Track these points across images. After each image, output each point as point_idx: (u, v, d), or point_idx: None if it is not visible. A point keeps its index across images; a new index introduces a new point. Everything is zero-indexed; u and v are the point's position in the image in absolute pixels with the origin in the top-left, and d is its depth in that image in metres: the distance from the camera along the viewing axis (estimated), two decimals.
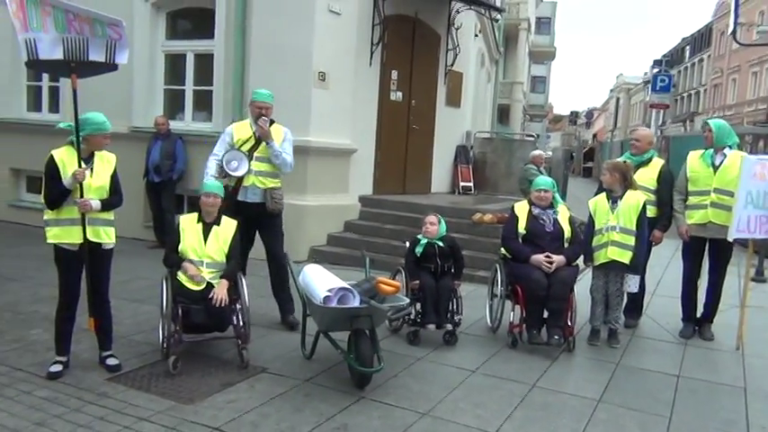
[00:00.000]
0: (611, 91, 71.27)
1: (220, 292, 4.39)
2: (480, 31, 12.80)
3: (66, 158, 4.20)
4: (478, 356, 5.02)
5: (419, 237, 5.32)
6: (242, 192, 5.36)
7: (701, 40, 49.40)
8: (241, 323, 4.57)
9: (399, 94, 9.77)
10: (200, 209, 4.70)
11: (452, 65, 10.73)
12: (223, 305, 4.38)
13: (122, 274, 6.92)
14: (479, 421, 3.85)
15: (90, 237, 4.23)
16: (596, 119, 67.39)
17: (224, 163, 5.20)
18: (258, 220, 5.42)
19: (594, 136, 65.69)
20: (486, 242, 8.08)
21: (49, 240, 4.26)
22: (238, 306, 4.60)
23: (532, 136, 13.82)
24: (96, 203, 4.20)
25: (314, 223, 8.36)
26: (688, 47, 52.92)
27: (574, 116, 49.77)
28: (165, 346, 4.53)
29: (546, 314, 5.15)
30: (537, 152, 10.37)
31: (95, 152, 4.33)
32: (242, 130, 5.44)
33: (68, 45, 4.17)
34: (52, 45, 4.15)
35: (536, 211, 5.30)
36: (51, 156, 4.21)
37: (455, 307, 5.27)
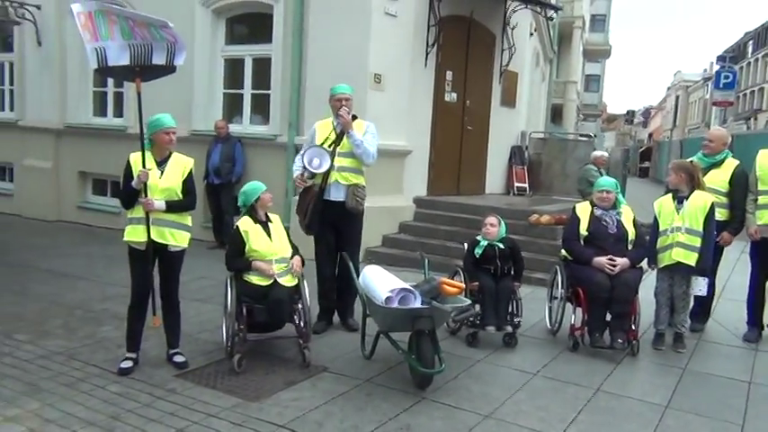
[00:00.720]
0: (669, 89, 69.25)
1: (297, 262, 4.66)
2: (535, 30, 12.64)
3: (139, 160, 4.37)
4: (539, 359, 4.96)
5: (478, 238, 5.30)
6: (326, 190, 5.33)
7: (764, 34, 47.54)
8: (302, 323, 4.64)
9: (454, 94, 9.74)
10: (255, 211, 4.77)
11: (508, 65, 10.63)
12: (301, 270, 4.66)
13: (184, 275, 6.89)
14: (543, 424, 3.81)
15: (154, 237, 4.37)
16: (653, 118, 65.63)
17: (305, 161, 5.19)
18: (340, 220, 5.38)
19: (650, 135, 63.96)
20: (544, 244, 7.97)
21: (124, 238, 4.45)
22: (299, 306, 4.68)
23: (589, 136, 13.54)
24: (160, 204, 4.33)
25: (369, 225, 8.29)
26: (751, 42, 51.01)
27: (630, 115, 48.46)
28: (229, 344, 4.64)
29: (609, 317, 5.05)
30: (598, 153, 10.17)
31: (173, 155, 4.48)
32: (324, 128, 5.44)
33: (134, 51, 4.37)
34: (119, 52, 4.36)
35: (598, 212, 5.20)
36: (128, 158, 4.42)
37: (515, 309, 5.22)
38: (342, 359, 4.79)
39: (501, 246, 5.23)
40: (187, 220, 4.56)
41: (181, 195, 4.45)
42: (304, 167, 5.26)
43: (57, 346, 4.88)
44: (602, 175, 10.00)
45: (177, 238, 4.48)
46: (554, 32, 15.80)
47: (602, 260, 5.00)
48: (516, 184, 11.36)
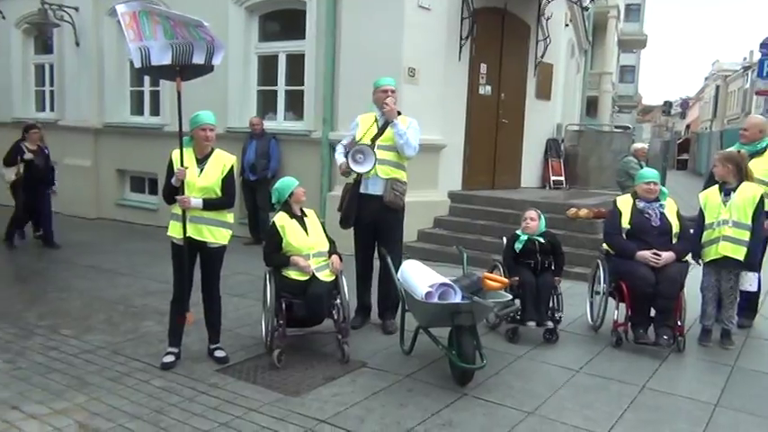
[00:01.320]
0: (706, 79, 67.52)
1: (335, 260, 4.67)
2: (571, 21, 12.43)
3: (179, 158, 4.40)
4: (581, 355, 4.87)
5: (518, 232, 5.22)
6: (363, 183, 5.22)
7: None
8: (341, 318, 4.63)
9: (488, 87, 9.63)
10: (290, 205, 4.77)
11: (543, 56, 10.47)
12: (340, 267, 4.67)
13: (222, 270, 7.21)
14: (588, 423, 3.73)
15: (191, 234, 4.40)
16: (690, 108, 64.15)
17: (349, 157, 5.09)
18: (378, 215, 5.24)
19: (688, 127, 62.45)
20: (582, 238, 7.84)
21: (167, 233, 4.50)
22: (338, 301, 4.67)
23: (628, 128, 13.28)
24: (197, 201, 4.36)
25: (404, 220, 8.35)
26: None
27: (668, 106, 47.31)
28: (268, 339, 4.65)
29: (653, 312, 4.94)
30: (639, 145, 9.98)
31: (214, 152, 4.50)
32: (366, 120, 5.35)
33: (176, 50, 4.39)
34: (162, 51, 4.38)
35: (641, 204, 5.08)
36: (170, 154, 4.46)
37: (555, 304, 5.14)
38: (381, 354, 4.77)
39: (541, 240, 5.15)
40: (226, 217, 4.56)
41: (220, 193, 4.45)
42: (346, 157, 5.18)
43: (101, 340, 4.96)
44: (642, 167, 9.82)
45: (216, 235, 4.49)
46: (589, 23, 15.52)
47: (645, 254, 4.88)
48: (552, 178, 11.21)
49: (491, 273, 5.27)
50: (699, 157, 27.91)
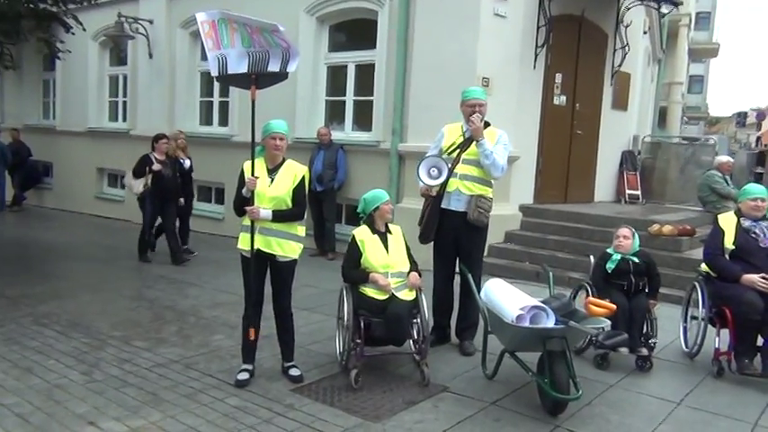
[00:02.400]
0: None
1: (414, 276, 4.48)
2: (649, 28, 11.93)
3: (249, 168, 4.29)
4: (680, 386, 4.49)
5: (609, 251, 4.88)
6: (445, 198, 4.98)
7: None
8: (421, 338, 4.41)
9: (563, 97, 9.26)
10: (374, 220, 4.59)
11: (620, 65, 10.03)
12: (418, 284, 4.45)
13: None
14: None
15: (260, 246, 4.26)
16: (764, 119, 61.30)
17: (422, 167, 4.90)
18: (460, 231, 5.01)
19: (758, 139, 59.73)
20: (666, 256, 7.38)
21: (237, 245, 4.38)
22: (418, 320, 4.45)
23: (710, 140, 12.63)
24: (266, 213, 4.22)
25: None
26: None
27: (742, 117, 45.26)
28: (344, 358, 4.47)
29: (760, 341, 4.52)
30: (724, 158, 9.42)
31: (286, 162, 4.37)
32: (453, 131, 5.12)
33: (252, 59, 4.31)
34: (239, 59, 4.31)
35: (747, 223, 4.68)
36: (242, 165, 4.34)
37: (650, 329, 4.78)
38: (462, 378, 4.51)
39: (635, 260, 4.80)
40: (297, 230, 4.39)
41: (290, 204, 4.31)
42: (418, 167, 4.96)
43: (173, 354, 4.88)
44: (726, 182, 9.29)
45: (285, 249, 4.33)
46: (664, 30, 14.90)
47: (753, 278, 4.47)
48: (628, 192, 10.70)
49: (576, 294, 4.98)
50: None
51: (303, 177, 4.38)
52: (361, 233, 4.53)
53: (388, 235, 4.55)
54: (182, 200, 8.64)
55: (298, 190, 4.34)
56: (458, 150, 4.96)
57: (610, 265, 4.78)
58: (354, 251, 4.47)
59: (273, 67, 4.35)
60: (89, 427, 3.61)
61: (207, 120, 11.27)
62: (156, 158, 8.24)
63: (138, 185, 8.16)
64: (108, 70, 12.83)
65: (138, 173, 8.23)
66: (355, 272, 4.45)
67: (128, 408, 3.88)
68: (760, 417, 4.01)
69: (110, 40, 11.66)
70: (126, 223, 11.63)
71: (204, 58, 11.17)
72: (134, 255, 8.56)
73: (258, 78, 4.38)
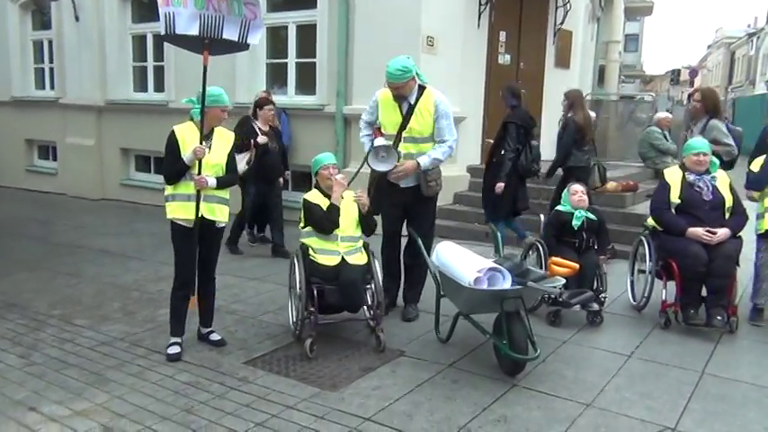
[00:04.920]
0: (709, 47, 66.57)
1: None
2: None
3: (186, 134, 4.14)
4: (629, 339, 4.58)
5: (563, 209, 4.89)
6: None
7: None
8: (376, 303, 4.34)
9: (507, 56, 9.22)
10: (319, 183, 4.48)
11: (563, 23, 10.02)
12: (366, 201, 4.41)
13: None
14: (654, 415, 3.45)
15: (204, 213, 4.15)
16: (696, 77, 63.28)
17: (371, 154, 4.67)
18: (410, 203, 4.90)
19: (690, 96, 61.65)
20: (612, 213, 7.49)
21: (168, 216, 4.21)
22: (371, 286, 4.37)
23: (652, 96, 12.85)
24: (212, 180, 4.11)
25: None
26: None
27: (676, 75, 46.40)
28: (298, 328, 4.37)
29: (705, 292, 4.64)
30: (663, 114, 9.60)
31: (215, 129, 4.25)
32: (387, 104, 4.76)
33: (204, 21, 4.09)
34: (189, 20, 4.09)
35: (691, 177, 4.75)
36: (173, 131, 4.17)
37: (600, 284, 4.84)
38: (417, 342, 4.48)
39: (592, 216, 4.83)
40: (227, 194, 4.33)
41: (226, 170, 4.23)
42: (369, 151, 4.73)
43: (118, 331, 4.67)
44: (666, 138, 9.49)
45: (224, 214, 4.30)
46: None
47: (698, 231, 4.57)
48: None
49: (527, 253, 5.01)
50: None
51: (233, 144, 4.36)
52: (312, 197, 4.41)
53: (340, 200, 4.42)
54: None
55: (231, 156, 4.31)
56: (397, 128, 4.73)
57: (576, 222, 4.78)
58: (306, 214, 4.36)
59: (230, 34, 4.17)
60: (30, 413, 3.41)
61: (142, 86, 10.77)
62: (260, 128, 6.86)
63: (241, 162, 6.19)
64: (31, 35, 12.04)
65: (239, 146, 7.06)
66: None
67: (71, 390, 3.68)
68: (706, 365, 4.12)
69: (31, 3, 10.93)
70: (61, 197, 11.11)
71: (136, 20, 10.66)
72: (68, 229, 8.18)
73: (211, 44, 4.15)
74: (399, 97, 4.70)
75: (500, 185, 6.46)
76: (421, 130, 4.73)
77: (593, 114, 9.67)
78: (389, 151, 4.67)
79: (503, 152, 6.51)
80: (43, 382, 3.79)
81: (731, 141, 5.66)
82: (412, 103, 4.72)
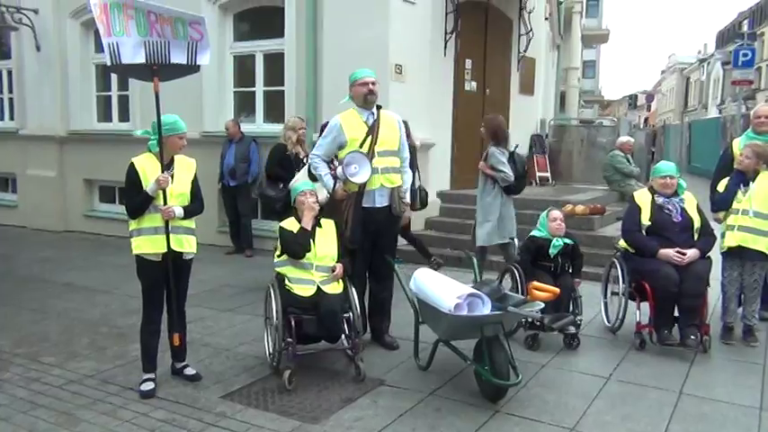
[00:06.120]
0: (663, 72, 68.87)
1: (339, 268, 4.36)
2: (550, 14, 12.29)
3: (146, 165, 4.06)
4: (606, 361, 4.62)
5: (538, 234, 4.93)
6: (368, 196, 4.63)
7: (760, 13, 47.22)
8: (354, 332, 4.29)
9: (474, 84, 9.38)
10: (297, 211, 4.44)
11: (526, 50, 10.27)
12: (341, 275, 4.32)
13: (206, 283, 6.80)
14: None
15: (173, 246, 4.05)
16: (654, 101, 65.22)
17: (342, 166, 4.51)
18: (380, 226, 4.73)
19: (646, 120, 63.58)
20: (581, 235, 7.52)
21: (134, 251, 4.09)
22: (349, 315, 4.33)
23: (614, 121, 13.19)
24: (179, 210, 4.03)
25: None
26: (746, 21, 50.66)
27: (633, 99, 47.90)
28: (275, 359, 4.29)
29: (677, 312, 4.72)
30: (625, 138, 9.87)
31: (175, 158, 4.17)
32: (351, 122, 4.64)
33: (150, 49, 4.06)
34: (134, 49, 4.03)
35: (660, 200, 4.86)
36: (132, 163, 4.07)
37: (575, 307, 4.89)
38: (397, 370, 4.43)
39: (569, 241, 4.89)
40: (193, 224, 4.25)
41: (190, 199, 4.16)
42: (335, 176, 4.61)
43: (88, 368, 4.52)
44: (629, 161, 9.73)
45: (192, 245, 4.21)
46: (561, 17, 15.43)
47: (669, 252, 4.66)
48: (538, 174, 11.01)
49: (502, 277, 5.04)
50: (666, 149, 28.31)
51: (196, 172, 4.29)
52: (287, 224, 4.38)
53: (318, 229, 4.38)
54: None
55: (195, 183, 4.24)
56: (368, 143, 4.60)
57: (553, 251, 4.82)
58: (282, 243, 4.32)
59: (177, 58, 4.13)
60: None
61: (105, 116, 10.60)
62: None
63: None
64: None
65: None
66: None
67: None
68: (683, 385, 4.17)
69: None
70: (21, 230, 10.80)
71: (99, 49, 10.53)
72: (31, 262, 7.93)
73: (161, 70, 4.11)
74: (366, 106, 4.68)
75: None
76: (390, 140, 4.71)
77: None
78: (357, 158, 4.49)
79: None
80: (11, 426, 3.63)
81: (506, 168, 5.99)
82: (375, 114, 4.71)
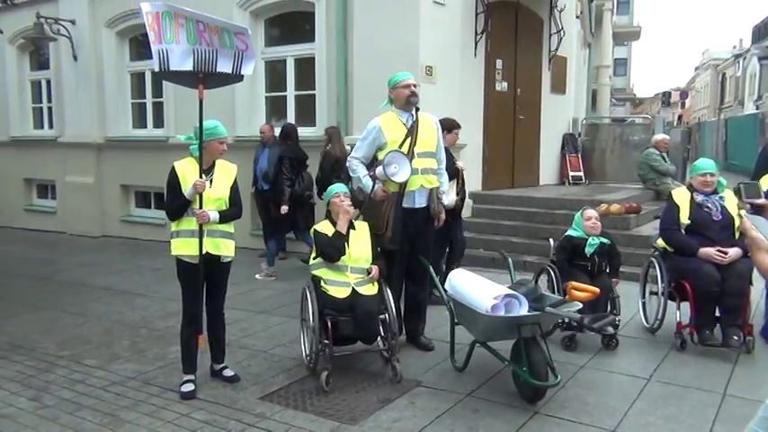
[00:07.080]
0: (696, 68, 67.50)
1: (375, 270, 4.38)
2: (581, 12, 12.16)
3: (186, 170, 4.14)
4: (646, 362, 4.55)
5: (574, 234, 4.88)
6: (408, 197, 4.65)
7: None
8: (390, 333, 4.30)
9: (505, 84, 9.32)
10: (331, 213, 4.48)
11: (557, 49, 10.17)
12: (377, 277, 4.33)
13: (241, 285, 6.87)
14: None
15: (209, 249, 4.12)
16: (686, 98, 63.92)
17: (383, 165, 4.47)
18: (419, 227, 4.75)
19: (680, 117, 62.35)
20: (616, 234, 7.43)
21: (173, 252, 4.18)
22: (385, 316, 4.33)
23: (648, 119, 13.00)
24: (214, 215, 4.09)
25: None
26: None
27: (666, 96, 47.03)
28: (312, 360, 4.31)
29: (719, 312, 4.62)
30: (660, 136, 9.70)
31: (216, 162, 4.24)
32: (391, 124, 4.67)
33: (198, 57, 4.13)
34: (183, 56, 4.12)
35: (699, 198, 4.77)
36: (173, 167, 4.17)
37: (613, 307, 4.82)
38: (434, 371, 4.43)
39: (606, 241, 4.83)
40: (232, 228, 4.33)
41: (229, 204, 4.22)
42: (374, 177, 4.57)
43: (129, 370, 4.61)
44: (664, 159, 9.57)
45: (229, 248, 4.27)
46: (592, 15, 15.26)
47: (710, 251, 4.57)
48: (571, 174, 10.89)
49: (538, 277, 4.99)
50: (703, 146, 27.73)
51: (236, 177, 4.35)
52: (321, 227, 4.41)
53: (351, 231, 4.41)
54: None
55: (234, 189, 4.29)
56: (408, 145, 4.63)
57: (589, 249, 4.77)
58: (316, 246, 4.34)
59: (223, 67, 4.20)
60: None
61: (141, 122, 10.81)
62: None
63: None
64: (29, 75, 12.12)
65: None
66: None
67: None
68: (727, 386, 4.09)
69: (29, 43, 11.00)
70: (61, 235, 11.06)
71: (134, 58, 10.75)
72: (71, 267, 8.11)
73: (206, 78, 4.18)
74: (408, 108, 4.71)
75: (284, 208, 7.23)
76: (429, 142, 4.75)
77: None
78: (397, 158, 4.49)
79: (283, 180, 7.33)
80: (57, 426, 3.72)
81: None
82: (414, 115, 4.74)
